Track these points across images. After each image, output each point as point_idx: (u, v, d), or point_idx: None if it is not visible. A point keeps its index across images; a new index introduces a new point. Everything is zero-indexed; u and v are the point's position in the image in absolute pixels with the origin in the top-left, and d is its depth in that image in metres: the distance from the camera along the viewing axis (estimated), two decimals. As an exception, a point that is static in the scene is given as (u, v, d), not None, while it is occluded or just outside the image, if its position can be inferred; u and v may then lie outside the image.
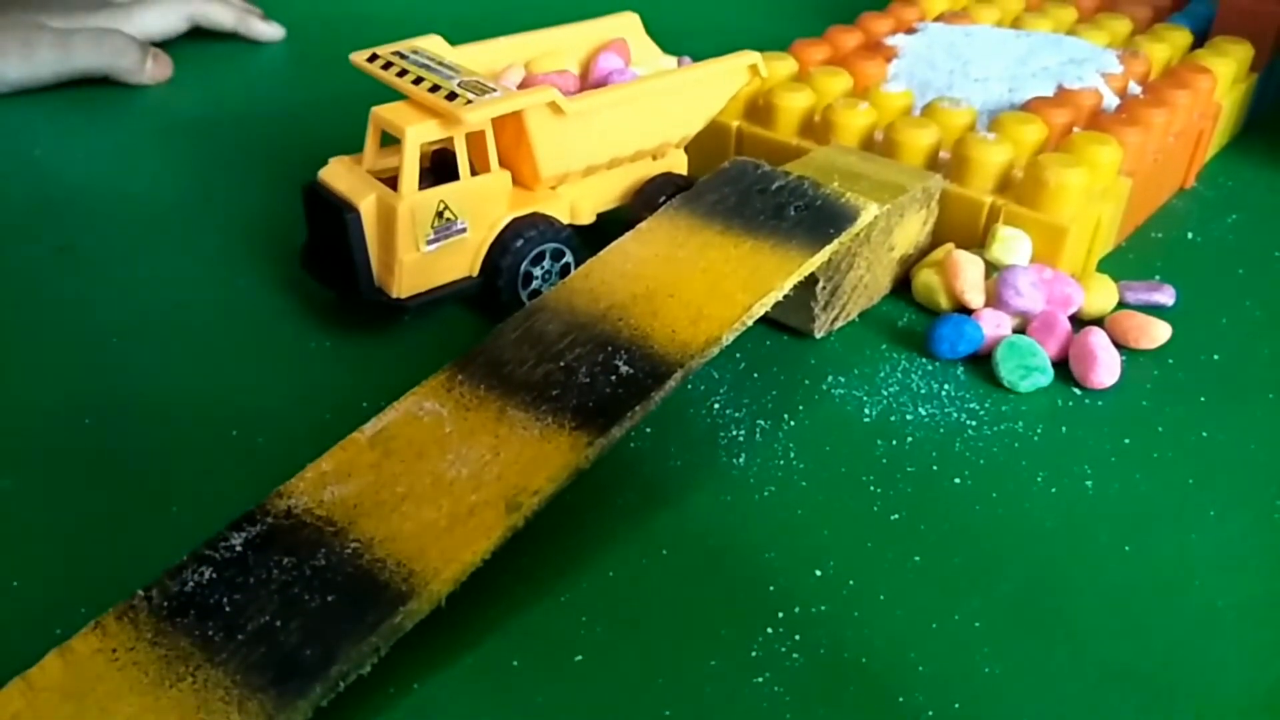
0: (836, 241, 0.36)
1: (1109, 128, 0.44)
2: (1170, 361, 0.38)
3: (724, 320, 0.33)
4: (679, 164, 0.44)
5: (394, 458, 0.29)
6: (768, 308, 0.34)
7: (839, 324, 0.40)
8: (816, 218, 0.37)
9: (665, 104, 0.41)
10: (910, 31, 0.54)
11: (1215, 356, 0.39)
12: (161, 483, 0.32)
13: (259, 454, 0.33)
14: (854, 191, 0.39)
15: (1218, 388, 0.37)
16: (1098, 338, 0.37)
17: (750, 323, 0.33)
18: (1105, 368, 0.36)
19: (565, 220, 0.40)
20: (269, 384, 0.36)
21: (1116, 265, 0.44)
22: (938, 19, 0.57)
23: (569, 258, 0.40)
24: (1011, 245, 0.40)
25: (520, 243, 0.38)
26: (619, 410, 0.30)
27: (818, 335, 0.39)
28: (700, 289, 0.34)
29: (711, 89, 0.42)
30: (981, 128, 0.47)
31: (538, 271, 0.39)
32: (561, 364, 0.32)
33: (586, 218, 0.41)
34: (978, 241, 0.42)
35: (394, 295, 0.37)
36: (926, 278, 0.41)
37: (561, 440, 0.29)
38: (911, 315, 0.41)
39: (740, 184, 0.39)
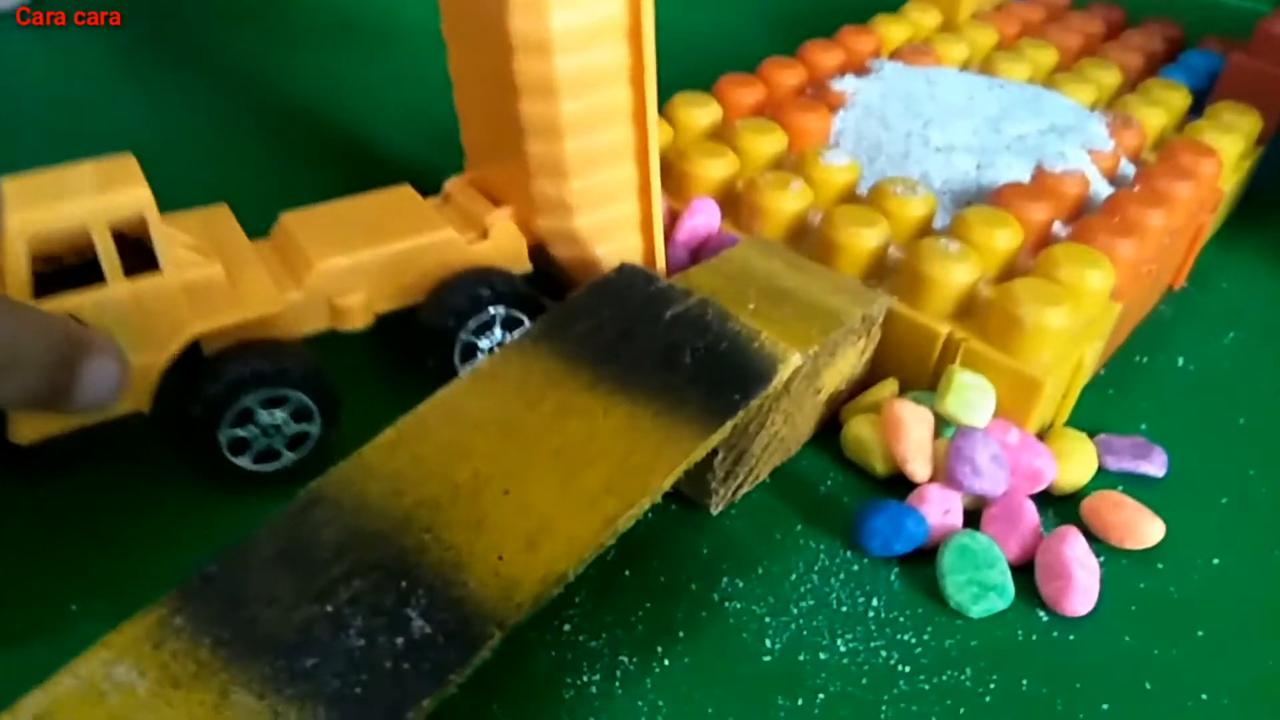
0: (742, 411, 0.27)
1: (1099, 237, 0.35)
2: (1160, 567, 0.30)
3: (574, 542, 0.23)
4: (510, 249, 0.32)
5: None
6: (638, 517, 0.24)
7: (744, 490, 0.31)
8: (720, 368, 0.27)
9: None
10: (862, 72, 0.45)
11: (1215, 561, 0.30)
12: None
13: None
14: (774, 324, 0.29)
15: (1218, 612, 0.29)
16: (1073, 548, 0.28)
17: (612, 540, 0.24)
18: (1082, 593, 0.28)
19: (316, 327, 0.30)
20: None
21: (1094, 404, 0.35)
22: (895, 55, 0.47)
23: (307, 400, 0.29)
24: (970, 399, 0.31)
25: (216, 392, 0.27)
26: (400, 704, 0.20)
27: (714, 512, 0.30)
28: (550, 482, 0.25)
29: None
30: (941, 220, 0.37)
31: (246, 432, 0.28)
32: (329, 608, 0.22)
33: (359, 320, 0.30)
34: (928, 379, 0.33)
35: (11, 439, 0.26)
36: (859, 430, 0.32)
37: (306, 755, 0.20)
38: (838, 476, 0.32)
39: (625, 305, 0.29)
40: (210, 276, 0.27)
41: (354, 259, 0.29)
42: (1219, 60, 0.51)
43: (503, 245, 0.32)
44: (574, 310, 0.29)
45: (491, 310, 0.31)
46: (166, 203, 0.27)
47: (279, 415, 0.28)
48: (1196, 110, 0.48)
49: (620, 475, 0.25)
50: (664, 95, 0.41)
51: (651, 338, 0.28)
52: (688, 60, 0.49)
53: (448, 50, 0.33)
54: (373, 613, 0.22)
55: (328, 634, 0.21)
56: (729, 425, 0.26)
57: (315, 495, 0.24)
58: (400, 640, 0.21)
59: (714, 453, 0.28)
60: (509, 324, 0.32)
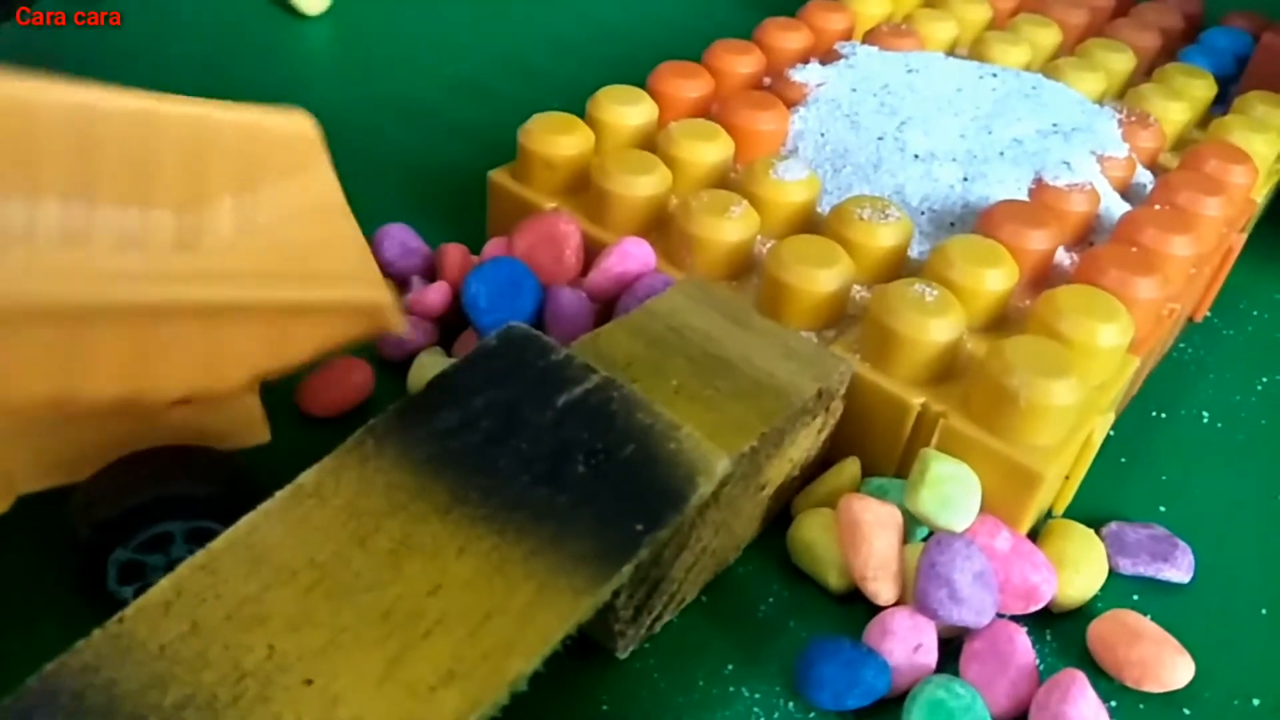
0: (647, 549, 0.20)
1: (1111, 273, 0.28)
2: (1186, 712, 0.24)
3: (394, 763, 0.17)
4: (235, 413, 0.23)
5: None
6: (492, 717, 0.18)
7: (664, 620, 0.24)
8: (621, 483, 0.21)
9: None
10: (829, 59, 0.38)
11: (1255, 701, 0.24)
12: None
13: None
14: (703, 407, 0.23)
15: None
16: (1078, 707, 0.22)
17: (453, 753, 0.18)
18: (1091, 770, 0.21)
19: None
20: None
21: (1102, 477, 0.29)
22: (870, 36, 0.40)
23: None
24: (948, 495, 0.24)
25: None
26: None
27: (621, 655, 0.23)
28: (371, 663, 0.18)
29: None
30: (919, 248, 0.31)
31: None
32: None
33: None
34: (898, 461, 0.27)
35: None
36: (809, 533, 0.25)
37: None
38: (784, 591, 0.25)
39: (507, 388, 0.22)
40: None
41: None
42: (1247, 40, 0.44)
43: (222, 406, 0.22)
44: (437, 396, 0.22)
45: (165, 525, 0.22)
46: None
47: None
48: (1220, 100, 0.41)
49: (470, 650, 0.18)
50: (596, 87, 0.34)
51: (535, 438, 0.22)
52: (627, 45, 0.42)
53: None
54: None
55: None
56: (627, 569, 0.20)
57: (46, 688, 0.18)
58: None
59: (615, 594, 0.22)
60: (198, 537, 0.21)
